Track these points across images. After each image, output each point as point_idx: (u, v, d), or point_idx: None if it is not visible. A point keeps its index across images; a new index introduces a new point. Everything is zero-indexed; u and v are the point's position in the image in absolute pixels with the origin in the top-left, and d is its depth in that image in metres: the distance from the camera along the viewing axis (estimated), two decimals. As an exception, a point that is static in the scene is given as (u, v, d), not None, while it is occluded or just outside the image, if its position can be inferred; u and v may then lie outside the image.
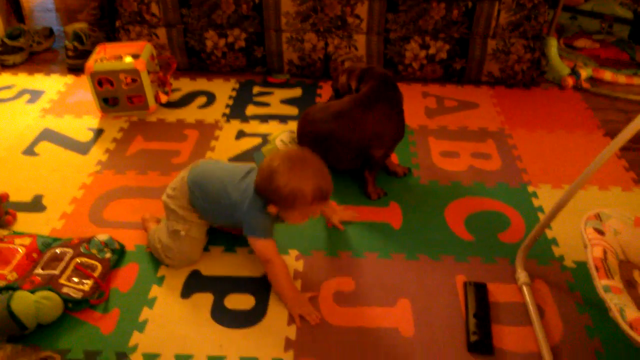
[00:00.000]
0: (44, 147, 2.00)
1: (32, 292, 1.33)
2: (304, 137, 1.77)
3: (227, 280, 1.46)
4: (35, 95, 2.34)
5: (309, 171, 1.31)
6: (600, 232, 1.28)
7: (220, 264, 1.51)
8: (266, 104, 2.26)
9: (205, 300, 1.41)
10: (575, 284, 1.45)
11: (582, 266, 1.50)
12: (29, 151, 1.98)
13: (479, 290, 1.41)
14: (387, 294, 1.43)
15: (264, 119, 2.16)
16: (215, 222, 1.51)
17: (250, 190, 1.37)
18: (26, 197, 1.76)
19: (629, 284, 1.24)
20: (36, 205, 1.73)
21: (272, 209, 1.34)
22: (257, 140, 2.02)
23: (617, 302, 1.10)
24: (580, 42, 2.69)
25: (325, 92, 2.34)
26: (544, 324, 1.33)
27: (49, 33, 2.79)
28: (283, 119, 2.16)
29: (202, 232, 1.49)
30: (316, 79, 2.44)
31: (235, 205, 1.39)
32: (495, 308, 1.38)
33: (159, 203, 1.71)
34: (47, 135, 2.07)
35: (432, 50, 2.32)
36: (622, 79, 2.41)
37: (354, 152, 1.70)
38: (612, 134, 2.05)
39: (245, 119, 2.16)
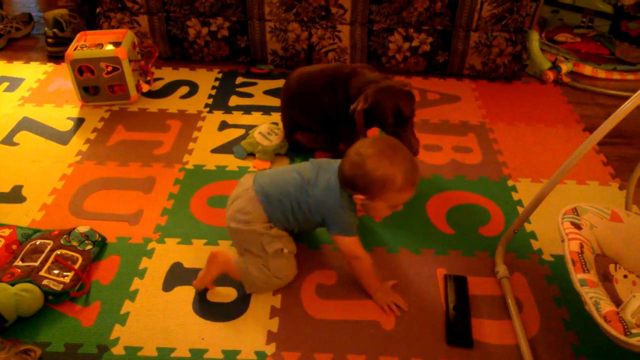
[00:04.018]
0: (23, 136, 1.98)
1: (12, 284, 1.32)
2: (283, 89, 1.86)
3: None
4: (14, 83, 2.30)
5: (399, 156, 1.30)
6: (577, 226, 1.30)
7: (202, 257, 1.50)
8: (249, 95, 2.25)
9: (187, 293, 1.41)
10: (553, 277, 1.48)
11: (559, 260, 1.52)
12: (8, 141, 1.95)
13: (459, 283, 1.43)
14: (368, 286, 1.44)
15: (247, 110, 2.15)
16: (297, 229, 1.45)
17: (333, 184, 1.35)
18: (5, 187, 1.74)
19: (605, 277, 1.27)
20: (15, 195, 1.71)
21: (358, 198, 1.32)
22: (240, 132, 2.01)
23: (593, 296, 1.13)
24: (561, 36, 2.71)
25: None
26: (522, 317, 1.36)
27: (28, 19, 2.74)
28: (266, 110, 2.15)
29: (294, 243, 1.44)
30: (300, 70, 2.43)
31: (320, 204, 1.36)
32: (475, 301, 1.40)
33: (140, 195, 1.71)
34: (27, 124, 2.04)
35: (415, 43, 2.33)
36: (601, 73, 2.45)
37: (316, 115, 1.79)
38: (590, 128, 2.08)
39: (228, 109, 2.15)
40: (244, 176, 1.48)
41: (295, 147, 1.90)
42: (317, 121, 1.80)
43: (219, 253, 1.42)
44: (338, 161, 1.39)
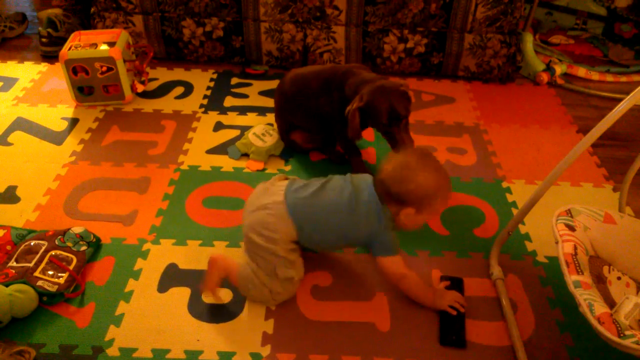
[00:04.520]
0: (17, 136, 1.97)
1: (6, 285, 1.32)
2: (276, 92, 1.88)
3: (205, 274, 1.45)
4: (8, 82, 2.29)
5: (440, 166, 1.33)
6: (571, 228, 1.31)
7: (197, 258, 1.50)
8: (245, 96, 2.25)
9: (182, 294, 1.41)
10: (547, 278, 1.49)
11: (553, 261, 1.53)
12: (2, 141, 1.94)
13: (455, 284, 1.44)
14: (363, 288, 1.44)
15: (243, 110, 2.15)
16: (327, 250, 1.46)
17: (374, 205, 1.32)
18: (-1, 187, 1.74)
19: (598, 279, 1.28)
20: (10, 196, 1.70)
21: (407, 213, 1.30)
22: (235, 133, 2.01)
23: (587, 297, 1.13)
24: (555, 38, 2.72)
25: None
26: (517, 318, 1.36)
27: (22, 18, 2.73)
28: (261, 111, 2.15)
29: (303, 269, 1.41)
30: (295, 71, 2.43)
31: (366, 231, 1.34)
32: (470, 302, 1.40)
33: (135, 195, 1.71)
34: (21, 124, 2.03)
35: (410, 44, 2.33)
36: (595, 75, 2.46)
37: (312, 117, 1.79)
38: (584, 130, 2.09)
39: (223, 110, 2.15)
40: (272, 181, 1.44)
41: (290, 147, 1.90)
42: (312, 122, 1.81)
43: (219, 258, 1.39)
44: (368, 177, 1.38)
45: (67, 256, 1.45)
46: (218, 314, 1.36)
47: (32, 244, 1.46)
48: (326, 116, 1.75)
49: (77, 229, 1.52)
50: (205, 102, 2.20)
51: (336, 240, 1.39)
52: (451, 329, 1.33)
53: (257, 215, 1.36)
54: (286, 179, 1.45)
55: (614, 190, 1.81)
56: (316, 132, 1.85)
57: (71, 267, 1.42)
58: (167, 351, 1.27)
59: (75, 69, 2.06)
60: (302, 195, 1.36)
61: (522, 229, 1.64)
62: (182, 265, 1.49)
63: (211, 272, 1.38)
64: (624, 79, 2.47)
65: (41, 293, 1.34)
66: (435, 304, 1.37)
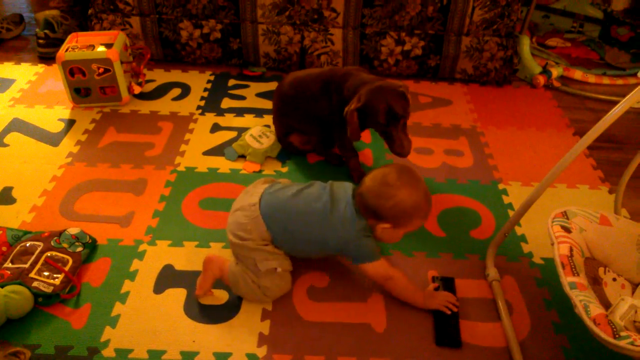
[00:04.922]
0: (13, 137, 1.97)
1: (2, 286, 1.31)
2: (275, 94, 1.88)
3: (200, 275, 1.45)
4: (4, 84, 2.28)
5: (422, 185, 1.33)
6: (567, 230, 1.31)
7: (193, 259, 1.50)
8: (242, 97, 2.25)
9: (178, 295, 1.41)
10: (543, 280, 1.49)
11: (549, 263, 1.53)
12: (-2, 141, 1.95)
13: (447, 284, 1.44)
14: (359, 289, 1.44)
15: (240, 112, 2.15)
16: (304, 256, 1.44)
17: (350, 216, 1.33)
18: (-5, 188, 1.73)
19: (594, 280, 1.28)
20: (6, 197, 1.70)
21: (382, 227, 1.32)
22: (232, 134, 2.01)
23: (582, 299, 1.13)
24: (552, 41, 2.73)
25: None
26: (513, 319, 1.36)
27: (19, 20, 2.73)
28: (259, 112, 2.15)
29: (289, 260, 1.40)
30: (292, 73, 2.43)
31: (342, 240, 1.34)
32: (466, 303, 1.40)
33: (132, 197, 1.71)
34: (17, 125, 2.03)
35: (407, 47, 2.34)
36: (591, 78, 2.47)
37: (311, 119, 1.80)
38: (580, 133, 2.09)
39: (220, 112, 2.15)
40: (254, 183, 1.48)
41: (287, 149, 1.90)
42: (311, 125, 1.81)
43: (214, 258, 1.40)
44: (348, 186, 1.39)
45: (63, 257, 1.45)
46: (214, 314, 1.36)
47: (27, 245, 1.46)
48: (325, 119, 1.75)
49: (73, 230, 1.52)
50: (202, 103, 2.20)
51: (317, 244, 1.38)
52: (446, 329, 1.33)
53: (233, 217, 1.40)
54: (271, 182, 1.47)
55: (610, 192, 1.81)
56: (314, 134, 1.85)
57: (67, 268, 1.42)
58: (163, 352, 1.27)
59: (72, 70, 2.06)
60: (277, 198, 1.39)
61: (518, 231, 1.64)
62: (178, 266, 1.49)
63: (206, 274, 1.39)
64: (620, 81, 2.47)
65: (37, 294, 1.34)
66: (426, 305, 1.37)
